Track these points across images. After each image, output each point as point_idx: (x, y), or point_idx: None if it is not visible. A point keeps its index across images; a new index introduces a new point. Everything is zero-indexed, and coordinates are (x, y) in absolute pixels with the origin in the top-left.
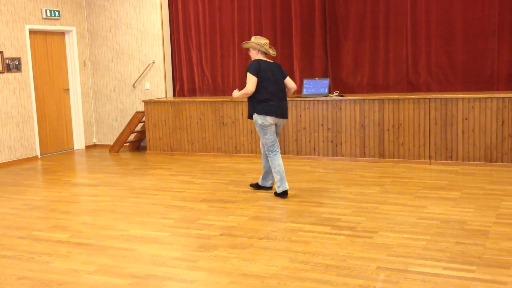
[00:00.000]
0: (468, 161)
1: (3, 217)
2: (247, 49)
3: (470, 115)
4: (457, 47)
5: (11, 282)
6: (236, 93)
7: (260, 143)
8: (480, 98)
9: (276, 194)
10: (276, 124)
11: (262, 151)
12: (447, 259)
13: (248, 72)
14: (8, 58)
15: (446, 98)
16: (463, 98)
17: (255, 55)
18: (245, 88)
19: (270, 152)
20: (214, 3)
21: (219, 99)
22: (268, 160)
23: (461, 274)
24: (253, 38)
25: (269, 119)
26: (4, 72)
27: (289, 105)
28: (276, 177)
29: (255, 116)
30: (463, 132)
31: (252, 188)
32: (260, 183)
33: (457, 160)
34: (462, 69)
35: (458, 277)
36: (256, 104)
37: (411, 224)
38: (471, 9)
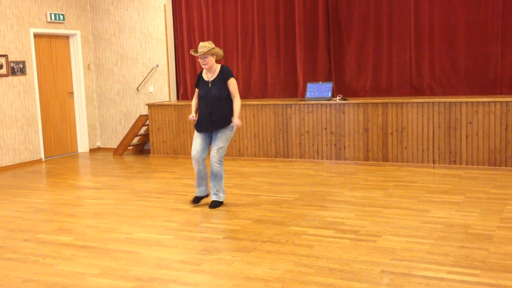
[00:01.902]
0: (472, 165)
1: (8, 220)
2: (199, 57)
3: (473, 119)
4: (460, 51)
5: (15, 285)
6: (237, 119)
7: (218, 154)
8: (483, 102)
9: (218, 204)
10: None
11: (199, 162)
12: (451, 263)
13: (234, 78)
14: (13, 62)
15: (449, 102)
16: (466, 102)
17: (213, 61)
18: (238, 97)
19: (222, 160)
20: (217, 7)
21: None
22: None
23: (465, 278)
24: (208, 44)
25: None
26: (9, 75)
27: (293, 108)
28: (223, 185)
29: (233, 122)
30: (466, 136)
31: (194, 204)
32: (200, 194)
33: (460, 164)
34: (466, 73)
35: (462, 281)
36: (232, 109)
37: (415, 228)
38: (475, 13)
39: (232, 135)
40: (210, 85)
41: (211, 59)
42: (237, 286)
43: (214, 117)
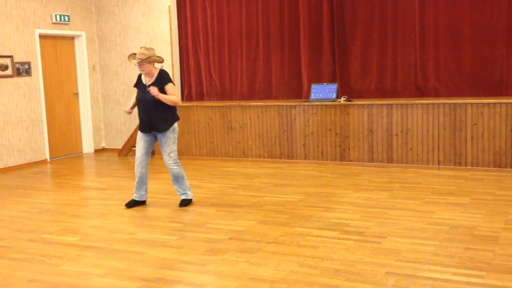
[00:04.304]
0: (477, 166)
1: (13, 220)
2: (138, 63)
3: (479, 120)
4: (465, 53)
5: (21, 285)
6: (159, 93)
7: (171, 159)
8: (489, 104)
9: (188, 202)
10: None
11: (142, 165)
12: (457, 265)
13: (171, 83)
14: (18, 63)
15: (454, 104)
16: (471, 104)
17: (151, 67)
18: (176, 97)
19: (178, 161)
20: (222, 8)
21: (227, 103)
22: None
23: (471, 280)
24: (145, 51)
25: None
26: (14, 76)
27: (297, 109)
28: (187, 184)
29: (176, 124)
30: (472, 138)
31: (128, 207)
32: (139, 198)
33: (466, 165)
34: (471, 74)
35: (467, 282)
36: (175, 112)
37: (420, 229)
38: (480, 15)
39: (177, 136)
40: (147, 89)
41: (148, 66)
42: (241, 287)
43: (153, 121)
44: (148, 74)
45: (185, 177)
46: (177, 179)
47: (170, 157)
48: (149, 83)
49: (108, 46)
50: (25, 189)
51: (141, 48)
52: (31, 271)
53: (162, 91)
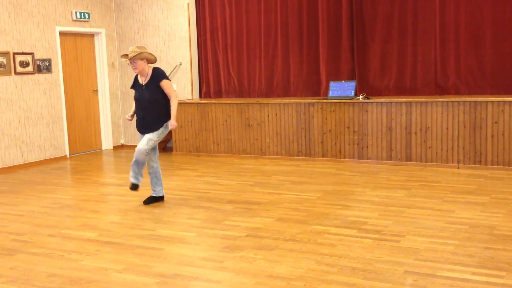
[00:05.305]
0: (497, 165)
1: (34, 215)
2: (129, 62)
3: (499, 118)
4: (486, 50)
5: (41, 279)
6: (173, 121)
7: (147, 145)
8: (510, 102)
9: (135, 187)
10: None
11: (156, 163)
12: (476, 264)
13: (167, 80)
14: (39, 59)
15: (475, 102)
16: (492, 102)
17: (143, 65)
18: (174, 96)
19: (149, 151)
20: (241, 5)
21: (245, 101)
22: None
23: (490, 280)
24: (136, 48)
25: None
26: (35, 73)
27: (315, 107)
28: (141, 171)
29: (167, 123)
30: (492, 136)
31: (147, 203)
32: (156, 194)
33: (486, 164)
34: (492, 72)
35: (487, 282)
36: (168, 111)
37: (439, 228)
38: (501, 12)
39: (166, 133)
40: (143, 88)
41: (141, 63)
42: (259, 284)
43: (147, 119)
44: (142, 73)
45: (144, 167)
46: (137, 162)
47: (147, 143)
48: (145, 82)
49: (127, 43)
50: (45, 184)
51: (132, 47)
52: (50, 266)
53: (157, 88)
